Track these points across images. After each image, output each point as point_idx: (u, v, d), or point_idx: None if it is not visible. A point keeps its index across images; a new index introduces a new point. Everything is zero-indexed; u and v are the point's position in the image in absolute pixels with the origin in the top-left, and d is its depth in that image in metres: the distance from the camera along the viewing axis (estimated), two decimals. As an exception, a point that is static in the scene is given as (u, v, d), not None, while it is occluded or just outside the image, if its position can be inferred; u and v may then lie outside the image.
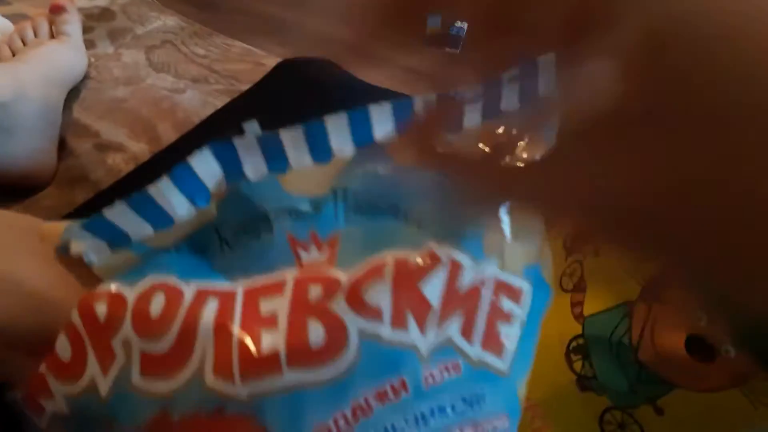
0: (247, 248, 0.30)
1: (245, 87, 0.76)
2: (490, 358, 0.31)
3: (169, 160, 0.51)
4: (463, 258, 0.30)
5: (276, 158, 0.31)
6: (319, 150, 0.31)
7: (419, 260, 0.29)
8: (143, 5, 0.84)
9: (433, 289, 0.29)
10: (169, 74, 0.75)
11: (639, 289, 0.39)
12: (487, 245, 0.31)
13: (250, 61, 0.79)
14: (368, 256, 0.29)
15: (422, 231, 0.30)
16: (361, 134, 0.31)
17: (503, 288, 0.31)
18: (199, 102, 0.72)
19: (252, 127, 0.31)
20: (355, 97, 0.54)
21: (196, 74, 0.76)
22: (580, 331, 0.42)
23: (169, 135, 0.69)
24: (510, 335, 0.32)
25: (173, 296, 0.28)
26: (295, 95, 0.50)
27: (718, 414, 0.37)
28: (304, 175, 0.31)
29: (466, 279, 0.30)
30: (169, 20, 0.83)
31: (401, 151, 0.31)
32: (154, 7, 0.85)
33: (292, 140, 0.31)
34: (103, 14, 0.81)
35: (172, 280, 0.29)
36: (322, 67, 0.53)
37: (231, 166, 0.31)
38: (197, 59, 0.78)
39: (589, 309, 0.42)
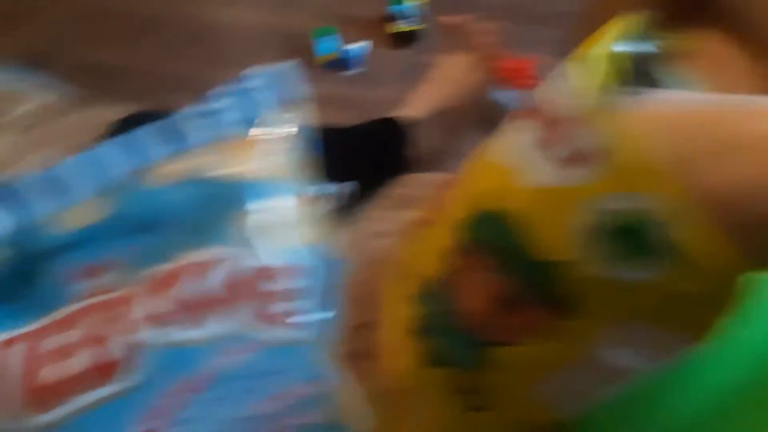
0: (35, 292, 0.33)
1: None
2: (280, 334, 0.35)
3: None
4: (231, 252, 0.34)
5: (27, 205, 0.33)
6: (75, 191, 0.34)
7: (191, 264, 0.32)
8: None
9: (208, 286, 0.33)
10: None
11: (446, 263, 0.42)
12: (254, 237, 0.35)
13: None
14: (145, 271, 0.33)
15: (190, 238, 0.34)
16: (118, 165, 0.34)
17: (280, 270, 0.35)
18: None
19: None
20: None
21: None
22: (419, 312, 0.45)
23: None
24: (298, 309, 0.35)
25: None
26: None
27: (541, 358, 0.40)
28: (75, 211, 0.34)
29: (240, 270, 0.34)
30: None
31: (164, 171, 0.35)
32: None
33: (34, 187, 0.33)
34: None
35: None
36: (155, 116, 0.55)
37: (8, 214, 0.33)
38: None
39: (420, 290, 0.45)
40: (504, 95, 1.04)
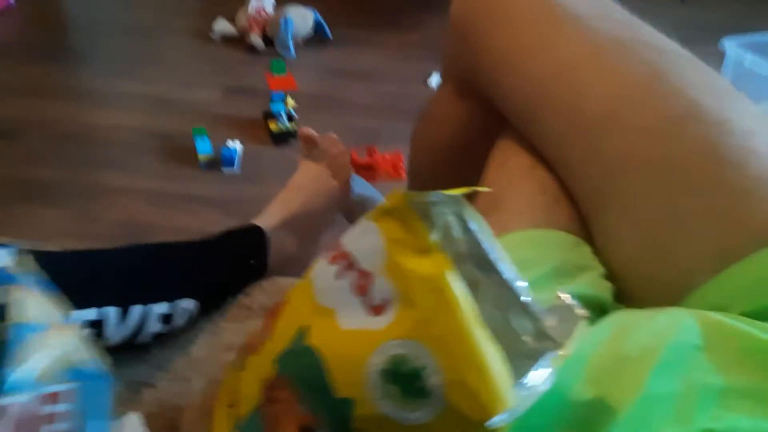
0: None
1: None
2: None
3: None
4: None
5: None
6: None
7: None
8: None
9: None
10: None
11: (261, 392, 0.42)
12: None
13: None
14: None
15: None
16: None
17: (43, 397, 0.38)
18: None
19: None
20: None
21: None
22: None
23: None
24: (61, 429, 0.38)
25: None
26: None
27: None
28: None
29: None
30: None
31: None
32: None
33: None
34: None
35: None
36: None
37: None
38: None
39: (239, 417, 0.45)
40: (368, 189, 1.08)
